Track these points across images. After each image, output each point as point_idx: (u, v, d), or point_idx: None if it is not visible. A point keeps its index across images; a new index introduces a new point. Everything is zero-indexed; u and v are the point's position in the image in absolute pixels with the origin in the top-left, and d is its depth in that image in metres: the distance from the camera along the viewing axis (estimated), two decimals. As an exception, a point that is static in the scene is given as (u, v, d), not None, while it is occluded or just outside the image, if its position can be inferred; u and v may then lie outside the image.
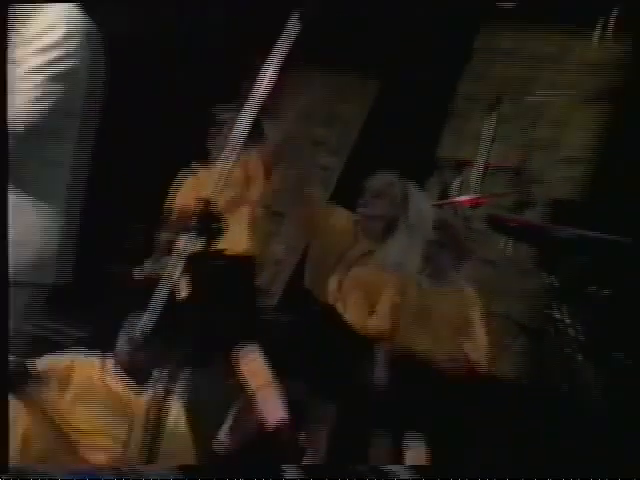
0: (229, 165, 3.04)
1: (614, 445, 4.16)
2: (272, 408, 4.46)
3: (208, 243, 2.86)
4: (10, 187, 3.16)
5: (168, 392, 3.25)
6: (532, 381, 5.07)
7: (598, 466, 4.09)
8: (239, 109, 3.01)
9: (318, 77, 6.30)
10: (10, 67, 3.21)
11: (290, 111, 5.05)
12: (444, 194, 5.82)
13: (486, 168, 5.67)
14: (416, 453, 4.29)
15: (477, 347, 4.41)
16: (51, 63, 3.18)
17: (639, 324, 4.75)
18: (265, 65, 2.85)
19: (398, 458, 4.40)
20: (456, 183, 5.87)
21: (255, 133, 3.28)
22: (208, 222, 2.84)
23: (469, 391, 4.35)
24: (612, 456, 4.13)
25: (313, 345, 4.45)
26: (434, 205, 5.55)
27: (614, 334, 4.85)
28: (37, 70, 3.15)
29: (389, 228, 4.48)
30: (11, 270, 3.15)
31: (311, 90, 6.14)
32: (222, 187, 3.04)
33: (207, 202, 2.85)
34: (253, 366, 4.63)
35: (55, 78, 3.18)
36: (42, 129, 3.15)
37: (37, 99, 3.14)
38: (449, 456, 4.38)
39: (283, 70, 2.93)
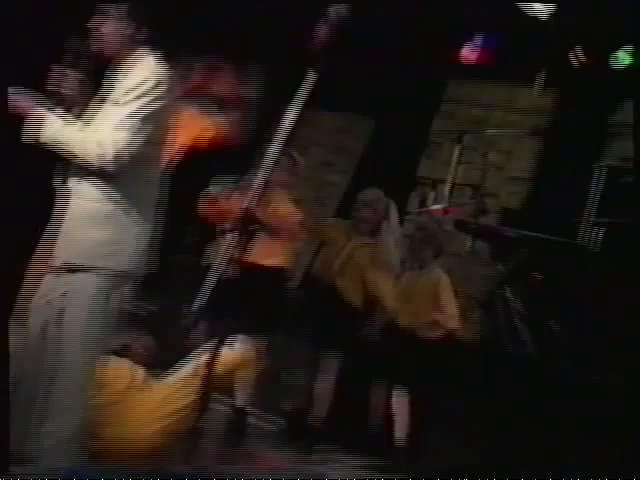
0: (263, 186, 2.92)
1: (550, 386, 4.69)
2: (241, 394, 4.54)
3: (247, 240, 2.89)
4: (112, 199, 3.36)
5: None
6: (487, 343, 5.46)
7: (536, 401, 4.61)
8: (271, 145, 2.92)
9: (328, 116, 6.69)
10: (113, 108, 3.41)
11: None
12: (423, 204, 6.31)
13: (454, 185, 6.12)
14: (400, 398, 4.61)
15: (449, 317, 4.59)
16: (145, 105, 3.40)
17: (565, 300, 5.25)
18: (289, 109, 2.85)
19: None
20: (432, 196, 6.35)
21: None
22: (248, 224, 2.88)
23: (441, 351, 4.61)
24: (549, 394, 4.65)
25: (322, 313, 4.76)
26: (415, 212, 6.04)
27: (547, 308, 5.32)
28: (135, 111, 3.36)
29: (373, 229, 4.76)
30: (111, 263, 3.34)
31: (323, 126, 6.69)
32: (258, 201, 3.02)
33: (248, 210, 2.89)
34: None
35: (147, 117, 3.38)
36: (138, 155, 3.34)
37: (134, 133, 3.36)
38: (427, 401, 4.67)
39: (302, 112, 2.90)
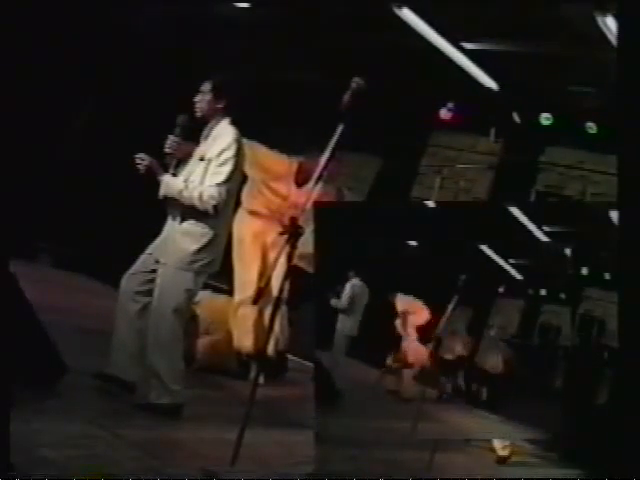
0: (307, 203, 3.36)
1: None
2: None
3: (295, 240, 3.17)
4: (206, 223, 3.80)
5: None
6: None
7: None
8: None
9: (350, 155, 7.36)
10: (201, 163, 3.82)
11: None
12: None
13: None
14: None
15: None
16: (228, 160, 3.81)
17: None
18: (325, 152, 3.20)
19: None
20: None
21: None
22: (295, 228, 3.17)
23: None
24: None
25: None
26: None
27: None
28: (227, 164, 3.78)
29: None
30: (185, 258, 3.84)
31: (346, 162, 7.16)
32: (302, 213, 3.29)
33: (294, 218, 3.23)
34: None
35: (233, 171, 3.86)
36: (229, 192, 3.88)
37: (225, 181, 3.83)
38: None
39: (334, 152, 3.24)
